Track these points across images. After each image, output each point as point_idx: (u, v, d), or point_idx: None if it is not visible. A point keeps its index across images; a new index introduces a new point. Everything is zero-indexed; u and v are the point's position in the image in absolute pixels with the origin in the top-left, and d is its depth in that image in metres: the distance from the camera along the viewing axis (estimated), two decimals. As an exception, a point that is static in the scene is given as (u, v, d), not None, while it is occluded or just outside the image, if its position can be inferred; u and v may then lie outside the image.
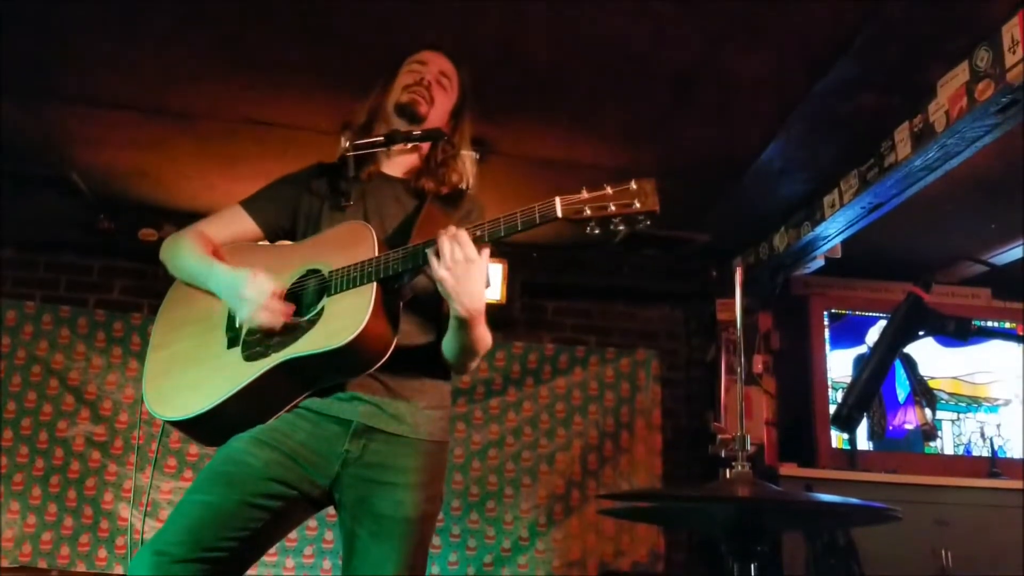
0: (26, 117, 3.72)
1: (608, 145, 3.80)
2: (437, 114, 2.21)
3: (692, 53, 3.11)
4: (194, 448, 4.62)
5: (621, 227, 1.81)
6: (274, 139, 3.79)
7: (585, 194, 1.80)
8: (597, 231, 1.81)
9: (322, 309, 1.90)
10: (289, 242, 2.17)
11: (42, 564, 4.43)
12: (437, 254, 1.80)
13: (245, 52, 3.23)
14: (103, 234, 4.61)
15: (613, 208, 1.78)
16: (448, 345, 1.98)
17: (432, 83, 2.21)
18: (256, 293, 1.91)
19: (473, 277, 1.81)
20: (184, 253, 2.10)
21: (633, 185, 1.79)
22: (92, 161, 4.16)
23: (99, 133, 3.88)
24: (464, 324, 1.86)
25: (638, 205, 1.78)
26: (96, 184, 4.40)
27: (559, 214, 1.78)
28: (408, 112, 2.17)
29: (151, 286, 4.77)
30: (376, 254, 1.90)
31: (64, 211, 4.53)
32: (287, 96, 3.50)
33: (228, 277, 1.98)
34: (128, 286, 4.92)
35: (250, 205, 2.17)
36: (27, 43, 3.17)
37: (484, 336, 1.93)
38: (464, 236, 1.80)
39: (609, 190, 1.79)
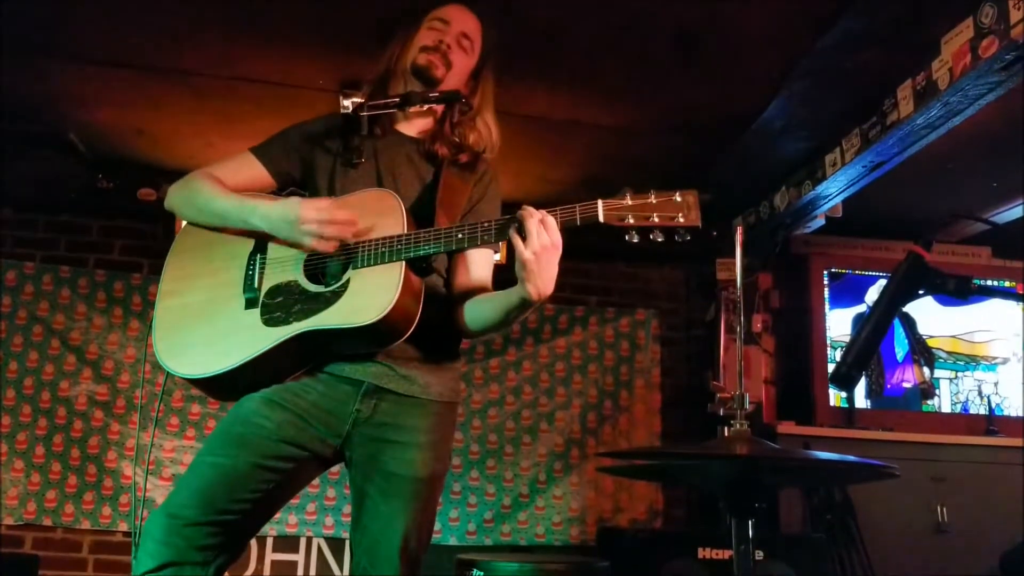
0: (24, 76, 3.69)
1: (609, 103, 3.77)
2: (455, 76, 2.16)
3: (694, 9, 3.08)
4: (196, 407, 4.65)
5: (660, 239, 1.81)
6: (272, 97, 3.77)
7: (629, 200, 1.78)
8: (636, 239, 1.81)
9: (347, 282, 1.89)
10: (305, 195, 2.12)
11: (47, 521, 4.48)
12: (521, 234, 1.77)
13: (243, 10, 3.19)
14: (102, 194, 4.59)
15: (656, 219, 1.78)
16: (491, 315, 1.96)
17: (451, 46, 2.15)
18: (316, 211, 1.87)
19: (554, 263, 1.79)
20: (208, 194, 2.04)
21: (678, 197, 1.79)
22: (90, 120, 4.14)
23: (97, 92, 3.85)
24: (528, 305, 1.84)
25: (682, 220, 1.78)
26: (94, 143, 4.38)
27: (601, 219, 1.77)
28: (424, 76, 2.12)
29: (151, 246, 4.78)
30: (404, 227, 1.88)
31: (62, 171, 4.50)
32: (285, 54, 3.47)
33: (277, 208, 1.93)
34: (128, 246, 4.91)
35: (262, 153, 2.13)
36: (25, 1, 3.14)
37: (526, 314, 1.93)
38: (552, 221, 1.77)
39: (653, 199, 1.78)
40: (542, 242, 1.75)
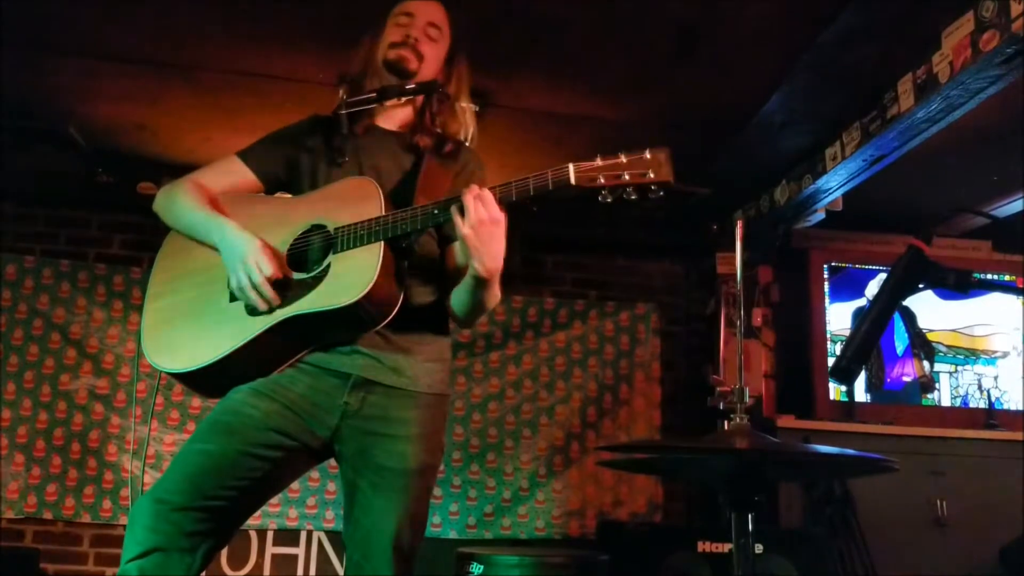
0: (24, 71, 3.68)
1: (610, 97, 3.76)
2: (429, 66, 2.18)
3: (695, 3, 3.07)
4: (196, 401, 4.65)
5: (633, 196, 1.80)
6: (272, 91, 3.76)
7: (599, 161, 1.79)
8: (609, 199, 1.81)
9: (328, 267, 1.90)
10: (290, 195, 2.15)
11: (47, 515, 4.49)
12: (462, 212, 1.79)
13: (243, 4, 3.19)
14: (102, 188, 4.59)
15: (627, 177, 1.78)
16: (460, 301, 1.99)
17: (419, 37, 2.17)
18: (255, 267, 1.89)
19: (496, 237, 1.81)
20: (182, 204, 2.08)
21: (647, 154, 1.79)
22: (90, 114, 4.13)
23: (97, 86, 3.84)
24: (482, 283, 1.87)
25: (652, 175, 1.77)
26: (94, 138, 4.37)
27: (572, 181, 1.78)
28: (397, 70, 2.15)
29: (151, 240, 4.76)
30: (382, 211, 1.89)
31: (62, 165, 4.50)
32: (285, 48, 3.47)
33: (236, 239, 1.96)
34: (128, 240, 4.92)
35: (247, 156, 2.16)
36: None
37: (496, 293, 1.94)
38: (489, 196, 1.80)
39: (623, 158, 1.79)
40: (479, 216, 1.77)
